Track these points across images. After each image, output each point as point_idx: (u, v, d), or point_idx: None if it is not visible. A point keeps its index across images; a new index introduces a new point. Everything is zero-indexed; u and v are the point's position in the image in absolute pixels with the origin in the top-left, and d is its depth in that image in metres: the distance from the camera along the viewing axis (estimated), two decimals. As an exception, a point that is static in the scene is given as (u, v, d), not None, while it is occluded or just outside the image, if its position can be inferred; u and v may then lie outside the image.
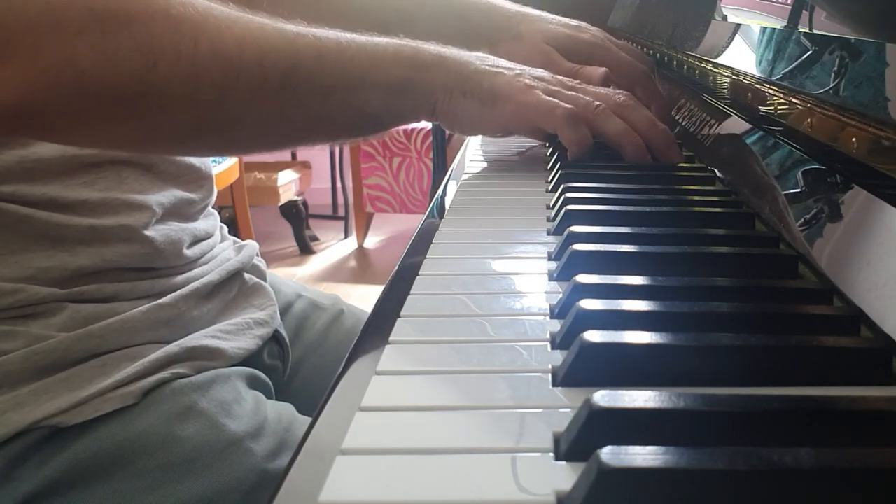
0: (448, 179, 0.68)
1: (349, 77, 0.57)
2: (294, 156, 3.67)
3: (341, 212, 3.65)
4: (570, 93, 0.64)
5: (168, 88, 0.49)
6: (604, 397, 0.25)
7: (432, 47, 0.63)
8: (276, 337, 0.70)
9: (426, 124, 2.97)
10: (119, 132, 0.51)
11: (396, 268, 0.45)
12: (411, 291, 0.40)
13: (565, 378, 0.30)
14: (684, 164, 0.66)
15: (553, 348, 0.33)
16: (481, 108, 0.62)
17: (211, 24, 0.50)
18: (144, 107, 0.49)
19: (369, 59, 0.58)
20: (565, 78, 0.68)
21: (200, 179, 0.68)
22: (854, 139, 0.40)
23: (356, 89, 0.57)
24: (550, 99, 0.63)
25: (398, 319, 0.36)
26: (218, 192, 0.76)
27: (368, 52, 0.58)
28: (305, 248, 3.31)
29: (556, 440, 0.26)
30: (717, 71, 0.67)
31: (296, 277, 2.91)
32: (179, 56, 0.48)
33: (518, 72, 0.65)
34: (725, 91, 0.66)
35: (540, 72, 0.67)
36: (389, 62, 0.59)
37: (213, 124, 0.53)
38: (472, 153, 0.78)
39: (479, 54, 0.66)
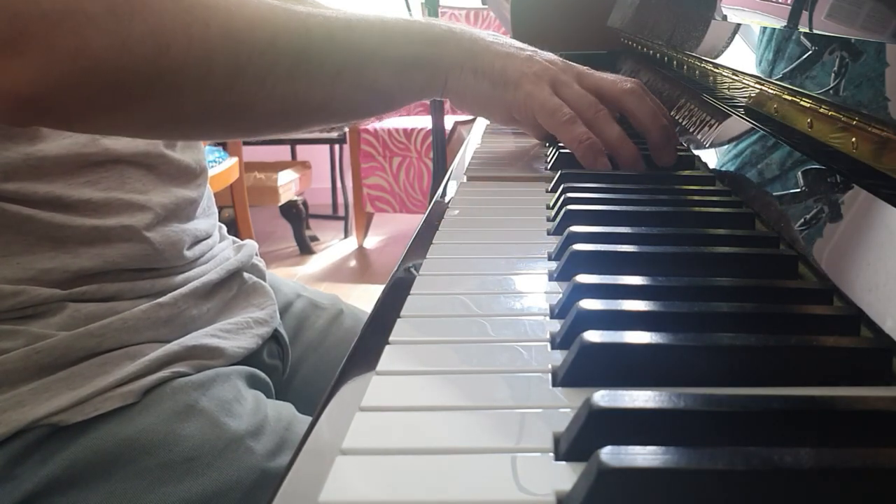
0: (448, 179, 0.68)
1: (359, 55, 0.57)
2: (294, 155, 3.67)
3: (341, 212, 3.65)
4: (576, 87, 0.65)
5: (181, 72, 0.49)
6: (604, 397, 0.25)
7: (443, 23, 0.63)
8: (275, 336, 0.70)
9: (426, 124, 2.99)
10: (134, 117, 0.52)
11: (396, 267, 0.45)
12: (411, 291, 0.40)
13: (565, 378, 0.30)
14: (684, 164, 0.66)
15: (553, 348, 0.33)
16: (491, 90, 0.63)
17: (221, 6, 0.50)
18: (158, 91, 0.50)
19: (379, 36, 0.58)
20: (573, 64, 0.68)
21: (197, 177, 0.68)
22: (854, 139, 0.40)
23: (366, 67, 0.58)
24: (556, 100, 0.63)
25: (398, 319, 0.36)
26: (218, 192, 0.76)
27: (378, 28, 0.59)
28: (305, 248, 3.31)
29: (556, 440, 0.26)
30: (717, 71, 0.67)
31: (296, 277, 2.91)
32: (191, 39, 0.49)
33: (529, 53, 0.65)
34: (725, 91, 0.66)
35: (550, 55, 0.67)
36: (399, 38, 0.59)
37: (227, 106, 0.54)
38: (472, 153, 0.78)
39: (492, 32, 0.66)
